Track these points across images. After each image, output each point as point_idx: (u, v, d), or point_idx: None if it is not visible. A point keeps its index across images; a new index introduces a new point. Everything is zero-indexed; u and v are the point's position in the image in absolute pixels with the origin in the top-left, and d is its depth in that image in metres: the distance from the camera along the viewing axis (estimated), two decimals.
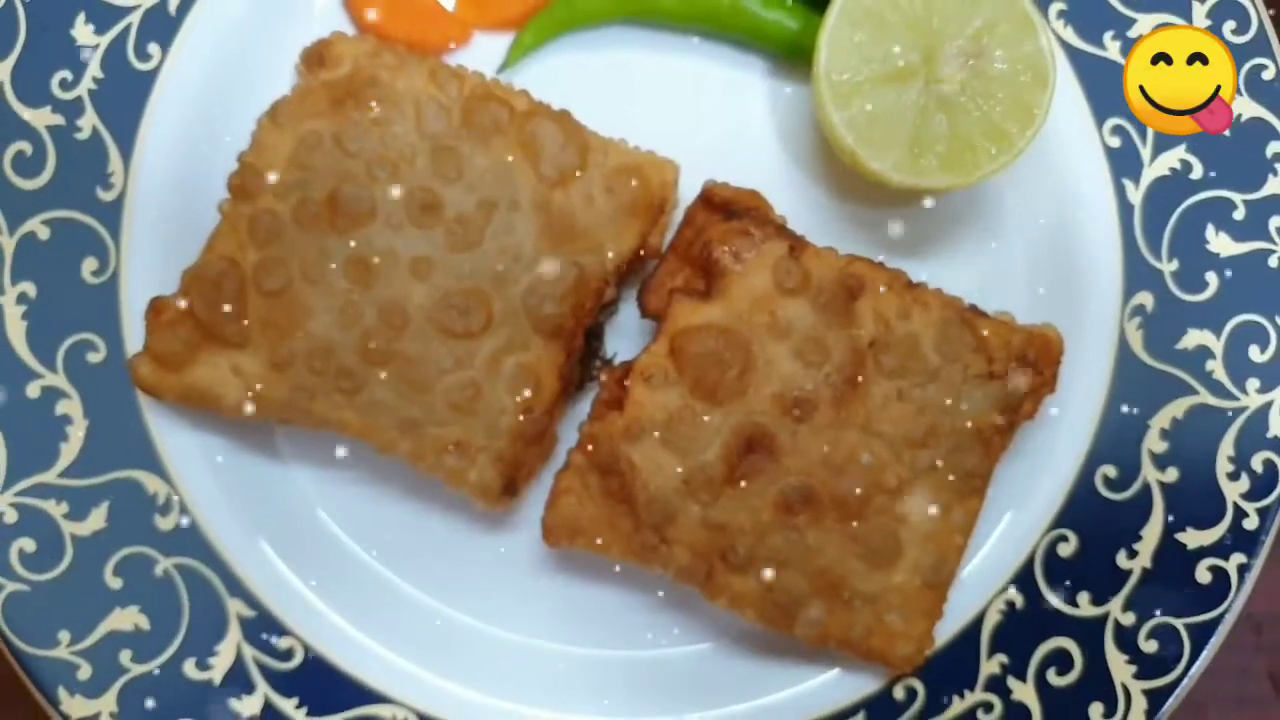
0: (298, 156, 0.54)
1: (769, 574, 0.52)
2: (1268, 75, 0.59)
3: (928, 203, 0.60)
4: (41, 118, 0.56)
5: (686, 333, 0.54)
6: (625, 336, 0.61)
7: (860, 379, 0.53)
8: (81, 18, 0.56)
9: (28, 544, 0.54)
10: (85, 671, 0.54)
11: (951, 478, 0.53)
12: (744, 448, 0.54)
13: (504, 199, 0.55)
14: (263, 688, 0.55)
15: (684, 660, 0.59)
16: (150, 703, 0.54)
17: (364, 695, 0.56)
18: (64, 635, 0.54)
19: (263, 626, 0.56)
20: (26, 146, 0.56)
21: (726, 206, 0.56)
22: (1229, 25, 0.60)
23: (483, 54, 0.61)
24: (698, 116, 0.62)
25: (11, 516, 0.54)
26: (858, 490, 0.53)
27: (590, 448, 0.55)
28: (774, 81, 0.63)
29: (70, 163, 0.56)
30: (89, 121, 0.56)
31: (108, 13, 0.56)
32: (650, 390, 0.53)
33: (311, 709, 0.55)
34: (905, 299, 0.55)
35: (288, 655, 0.56)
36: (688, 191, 0.59)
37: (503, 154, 0.55)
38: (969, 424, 0.53)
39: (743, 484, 0.54)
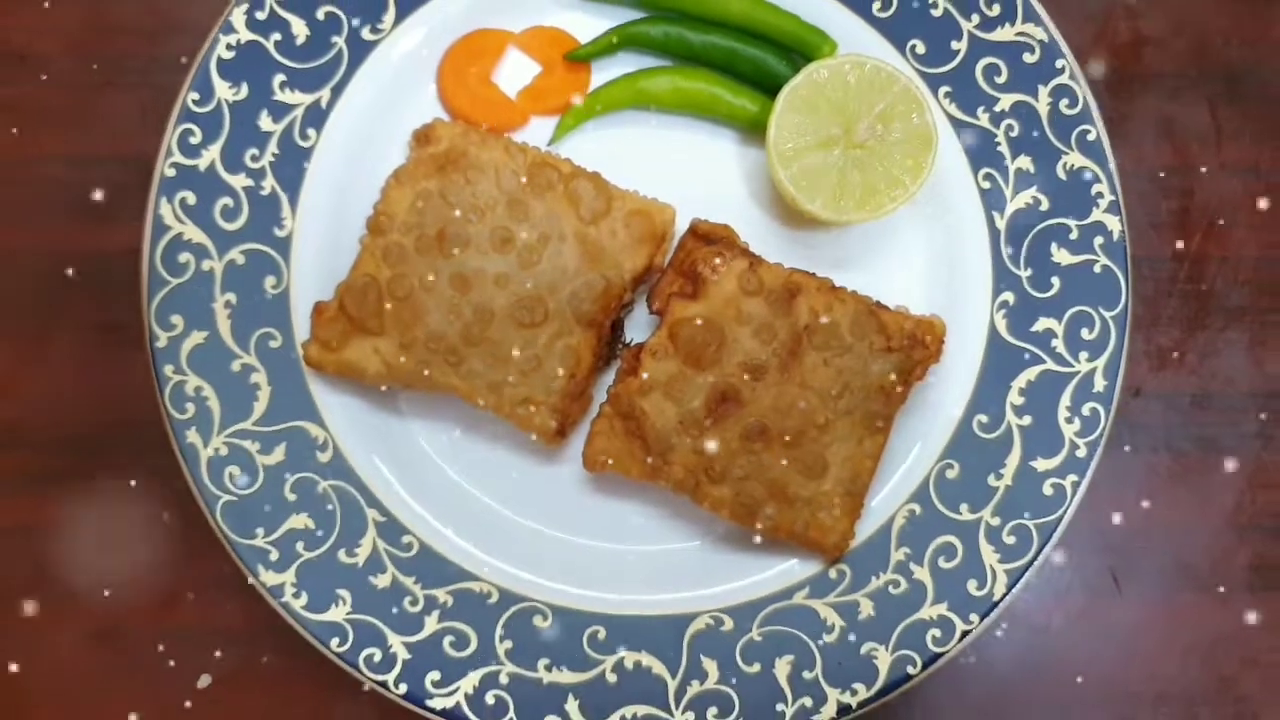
0: (415, 205, 0.67)
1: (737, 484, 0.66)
2: (1090, 137, 0.71)
3: (835, 230, 0.71)
4: (239, 180, 0.70)
5: (680, 323, 0.66)
6: (638, 326, 0.72)
7: (797, 352, 0.66)
8: (264, 113, 0.70)
9: (235, 470, 0.68)
10: (274, 555, 0.67)
11: (862, 419, 0.66)
12: (719, 399, 0.66)
13: (555, 233, 0.67)
14: (391, 569, 0.68)
15: (682, 553, 0.71)
16: (317, 577, 0.67)
17: (460, 574, 0.69)
18: (260, 531, 0.67)
19: (390, 528, 0.69)
20: (229, 201, 0.69)
21: (707, 236, 0.68)
22: (1064, 102, 0.71)
23: (538, 132, 0.73)
24: (688, 174, 0.73)
25: (224, 451, 0.68)
26: (797, 426, 0.66)
27: (615, 402, 0.67)
28: (740, 149, 0.74)
29: (257, 211, 0.70)
30: (269, 183, 0.70)
31: (281, 109, 0.70)
32: (655, 361, 0.66)
33: (424, 584, 0.68)
34: (829, 298, 0.67)
35: (408, 547, 0.69)
36: (681, 225, 0.70)
37: (554, 203, 0.67)
38: (874, 382, 0.67)
39: (718, 423, 0.66)
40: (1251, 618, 0.74)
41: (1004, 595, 0.69)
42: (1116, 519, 0.75)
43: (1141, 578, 0.75)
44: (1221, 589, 0.75)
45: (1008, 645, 0.74)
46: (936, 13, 0.72)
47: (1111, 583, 0.75)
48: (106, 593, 0.72)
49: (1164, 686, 0.74)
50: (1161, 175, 0.78)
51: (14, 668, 0.72)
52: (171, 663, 0.72)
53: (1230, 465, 0.75)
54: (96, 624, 0.72)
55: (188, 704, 0.72)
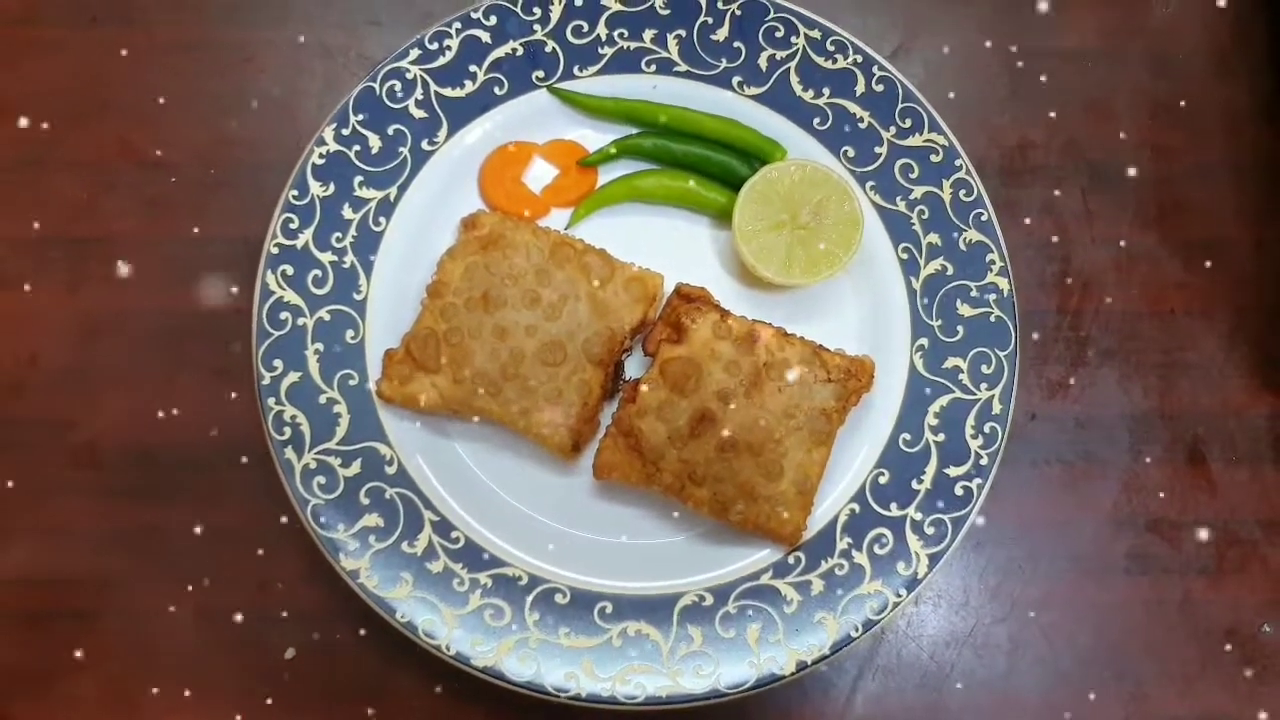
0: (465, 274, 0.78)
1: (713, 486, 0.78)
2: (984, 218, 0.84)
3: (789, 291, 0.82)
4: (326, 257, 0.81)
5: (668, 361, 0.77)
6: (636, 365, 0.83)
7: (758, 382, 0.77)
8: (347, 205, 0.82)
9: (321, 479, 0.78)
10: (352, 546, 0.77)
11: (810, 434, 0.77)
12: (699, 418, 0.76)
13: (572, 295, 0.78)
14: (444, 558, 0.77)
15: (673, 545, 0.81)
16: (385, 563, 0.78)
17: (496, 562, 0.79)
18: (341, 526, 0.77)
19: (442, 525, 0.79)
20: (319, 272, 0.81)
21: (688, 296, 0.79)
22: (963, 192, 0.84)
23: (558, 220, 0.85)
24: (672, 250, 0.84)
25: (313, 465, 0.78)
26: (759, 440, 0.76)
27: (618, 423, 0.77)
28: (713, 231, 0.86)
29: (340, 280, 0.81)
30: (350, 259, 0.81)
31: (359, 202, 0.83)
32: (649, 391, 0.77)
33: (469, 569, 0.78)
34: (782, 341, 0.78)
35: (456, 540, 0.79)
36: (668, 288, 0.81)
37: (571, 272, 0.79)
38: (818, 406, 0.78)
39: (698, 438, 0.76)
40: (1128, 595, 0.88)
41: (926, 574, 0.80)
42: (1021, 517, 0.87)
43: (1041, 563, 0.86)
44: (1103, 573, 0.86)
45: (935, 616, 0.87)
46: (863, 125, 0.86)
47: (1018, 567, 0.86)
48: (206, 581, 0.83)
49: (1061, 650, 0.87)
50: (1045, 247, 0.91)
51: (141, 643, 0.86)
52: (263, 637, 0.82)
53: (1108, 474, 0.87)
54: (204, 606, 0.83)
55: (276, 671, 0.83)
